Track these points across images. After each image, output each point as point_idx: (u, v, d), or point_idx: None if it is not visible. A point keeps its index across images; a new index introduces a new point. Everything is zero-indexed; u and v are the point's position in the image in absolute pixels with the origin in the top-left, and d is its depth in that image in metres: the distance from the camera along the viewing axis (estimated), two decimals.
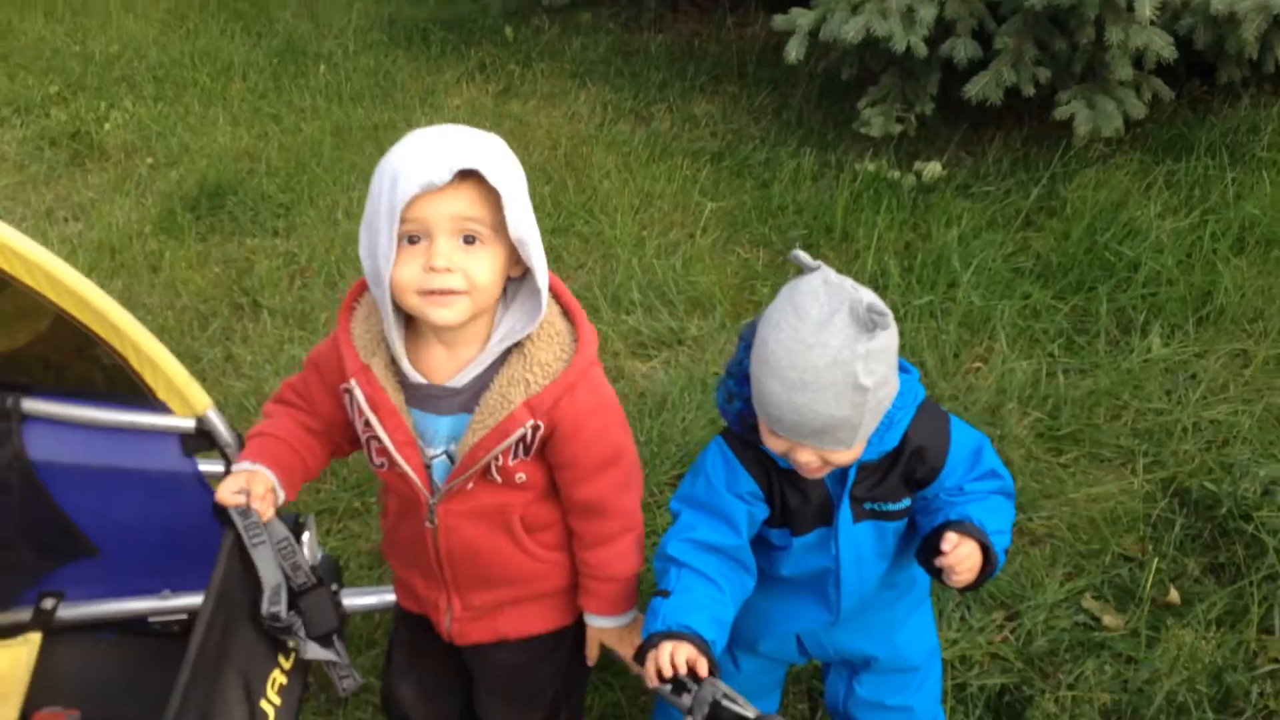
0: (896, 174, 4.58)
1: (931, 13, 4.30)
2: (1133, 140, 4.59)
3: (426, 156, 1.61)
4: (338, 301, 3.94)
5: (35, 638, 2.24)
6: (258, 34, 6.49)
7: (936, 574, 1.86)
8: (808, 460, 1.77)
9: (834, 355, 1.64)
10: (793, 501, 1.91)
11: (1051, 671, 2.54)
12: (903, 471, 1.88)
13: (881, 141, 4.69)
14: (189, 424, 2.14)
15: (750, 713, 1.92)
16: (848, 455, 1.77)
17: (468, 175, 1.60)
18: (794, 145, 4.90)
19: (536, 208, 1.87)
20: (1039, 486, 3.03)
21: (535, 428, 1.75)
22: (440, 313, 1.67)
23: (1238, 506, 2.84)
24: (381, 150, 4.72)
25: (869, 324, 1.63)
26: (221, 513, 2.21)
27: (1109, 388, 3.35)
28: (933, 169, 4.59)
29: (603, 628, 1.99)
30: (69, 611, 2.30)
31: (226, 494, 1.81)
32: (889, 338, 1.67)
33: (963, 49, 4.33)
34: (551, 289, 1.77)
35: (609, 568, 1.93)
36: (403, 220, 1.62)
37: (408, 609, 2.10)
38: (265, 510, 1.84)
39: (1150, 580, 2.68)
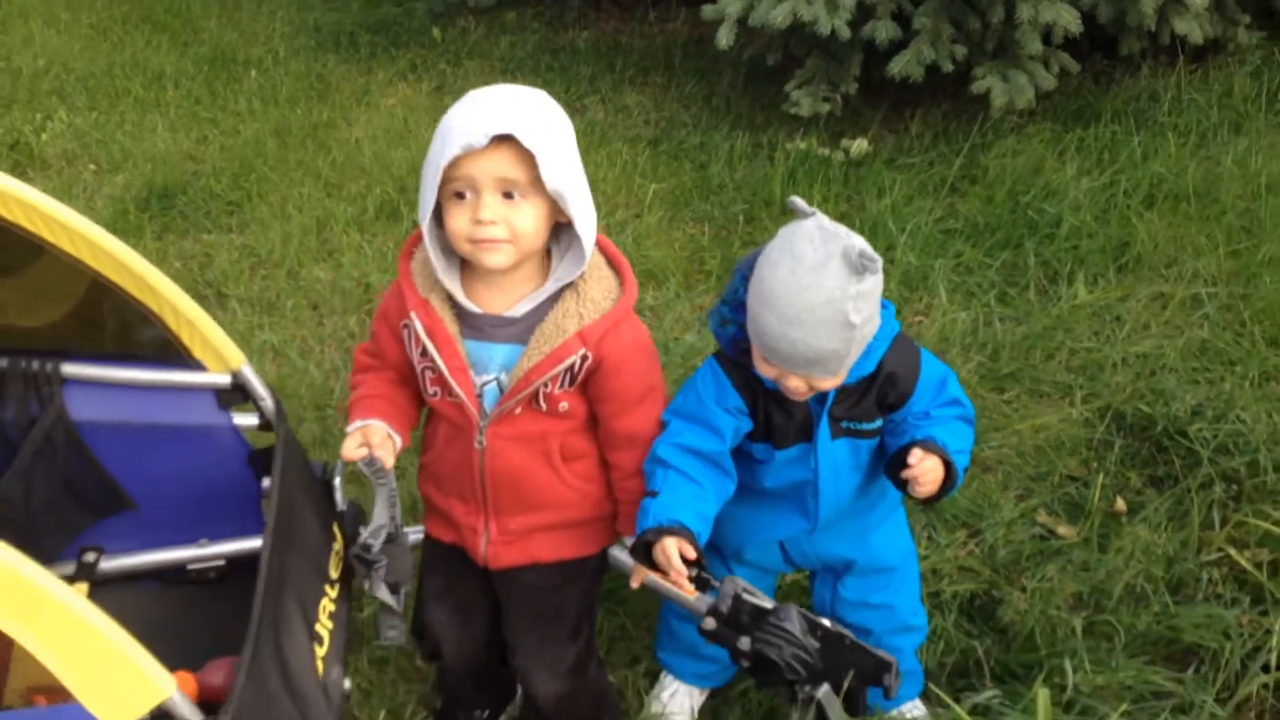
0: (826, 151, 4.83)
1: None
2: (1044, 111, 4.90)
3: (468, 120, 1.81)
4: (301, 290, 4.09)
5: (82, 588, 2.35)
6: (184, 44, 6.54)
7: (902, 485, 2.09)
8: (795, 385, 1.98)
9: (827, 295, 1.84)
10: (776, 418, 2.11)
11: (1016, 577, 2.77)
12: (877, 395, 2.10)
13: (810, 121, 4.94)
14: (224, 380, 2.28)
15: (768, 604, 2.13)
16: (833, 382, 1.99)
17: (505, 137, 1.79)
18: (726, 129, 5.13)
19: None
20: (987, 421, 3.27)
21: (584, 357, 1.94)
22: (489, 258, 1.88)
23: (1172, 424, 3.12)
24: (324, 148, 4.90)
25: (860, 268, 1.84)
26: (257, 462, 2.37)
27: (1042, 331, 3.62)
28: (860, 145, 4.85)
29: None
30: (110, 564, 2.42)
31: (350, 451, 2.02)
32: (876, 281, 1.88)
33: (883, 30, 4.58)
34: (599, 245, 1.98)
35: None
36: (451, 179, 1.83)
37: (441, 539, 2.26)
38: (387, 457, 2.03)
39: (1098, 494, 2.93)
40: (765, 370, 2.00)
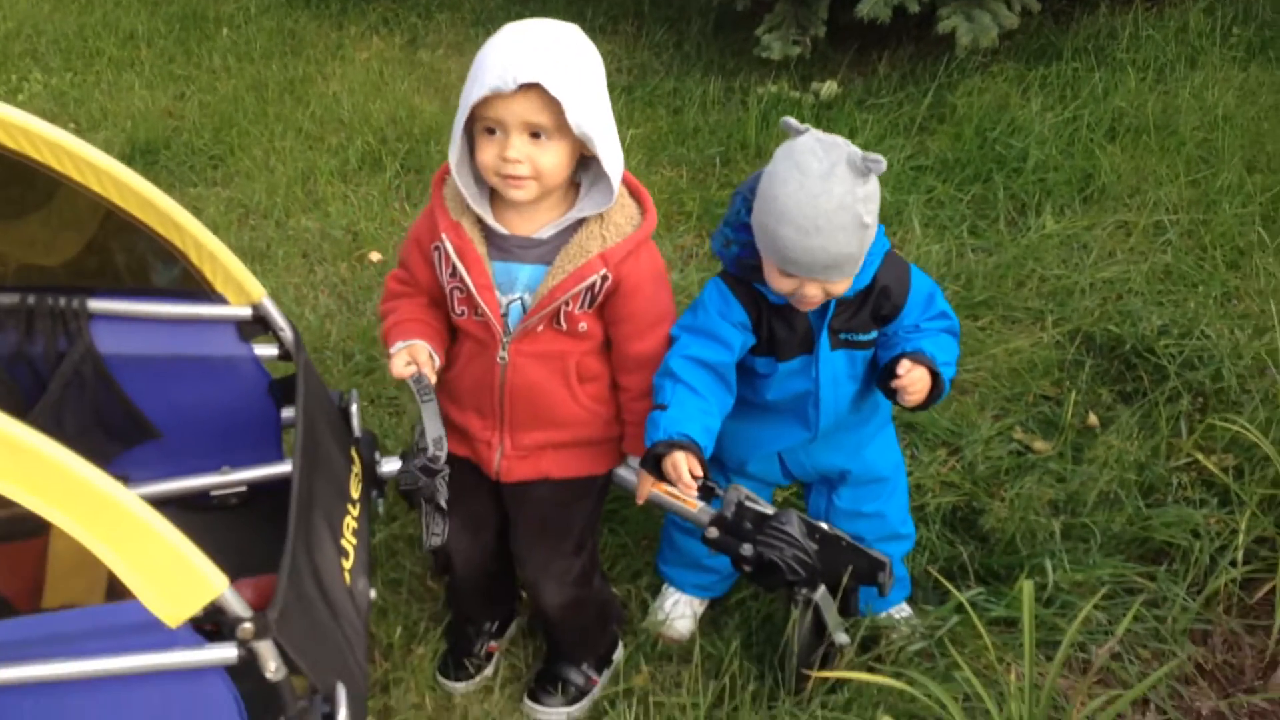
0: (797, 94, 4.95)
1: None
2: (1007, 50, 5.04)
3: (499, 62, 1.92)
4: (290, 239, 4.17)
5: None
6: (154, 3, 6.53)
7: (892, 395, 2.24)
8: (813, 293, 2.11)
9: (839, 201, 1.97)
10: (780, 332, 2.25)
11: (996, 489, 2.92)
12: (872, 308, 2.24)
13: (780, 65, 5.06)
14: (245, 312, 2.38)
15: (769, 509, 2.27)
16: (845, 285, 2.12)
17: (533, 84, 1.91)
18: (698, 75, 5.24)
19: None
20: (963, 347, 3.38)
21: (604, 278, 2.08)
22: (514, 193, 2.03)
23: (1140, 343, 3.28)
24: (302, 102, 4.95)
25: (864, 170, 1.98)
26: (276, 391, 2.47)
27: (1013, 261, 3.77)
28: (830, 87, 4.97)
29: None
30: (136, 491, 2.50)
31: (399, 369, 2.16)
32: (876, 182, 2.02)
33: None
34: (622, 178, 2.11)
35: None
36: (481, 116, 1.97)
37: (454, 454, 2.38)
38: (431, 374, 2.17)
39: (1070, 411, 3.08)
40: (782, 284, 2.12)
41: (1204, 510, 2.74)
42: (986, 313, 3.58)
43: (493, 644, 2.62)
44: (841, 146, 2.00)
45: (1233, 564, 2.59)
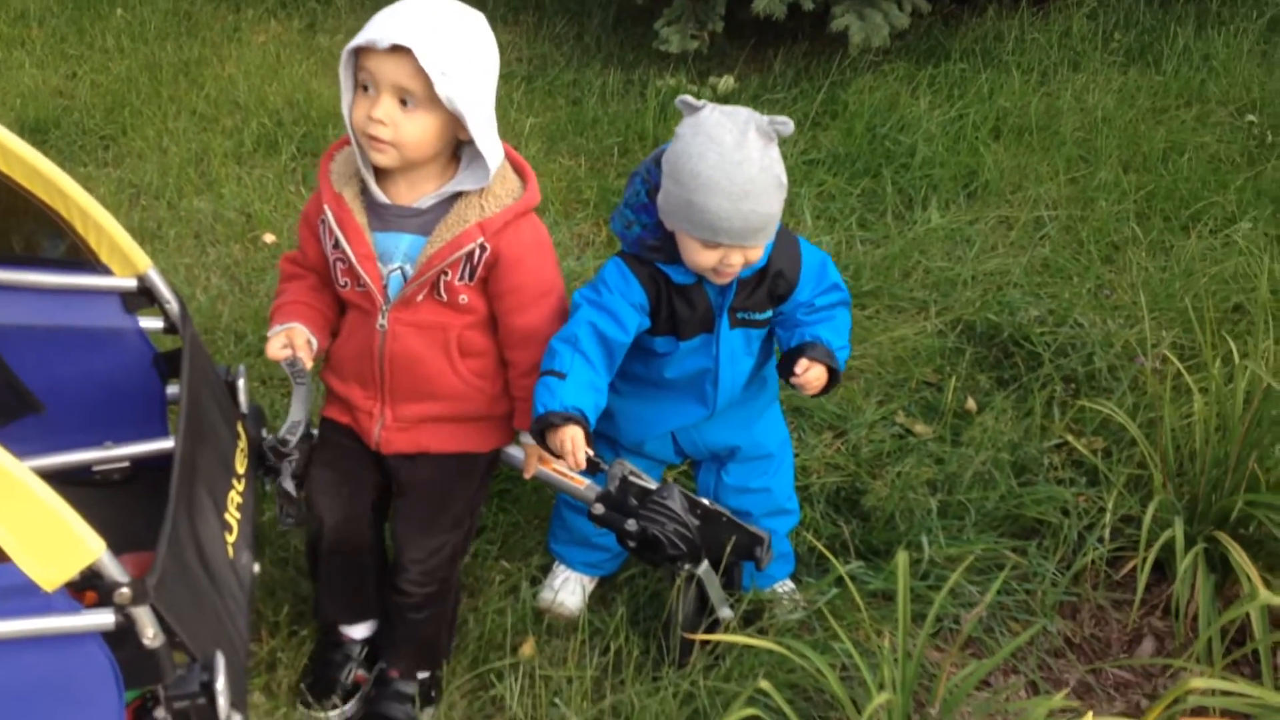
0: (695, 88, 5.01)
1: None
2: (898, 50, 5.16)
3: (385, 18, 1.95)
4: (181, 220, 4.14)
5: None
6: None
7: (791, 385, 2.31)
8: (736, 262, 2.17)
9: (760, 164, 2.06)
10: (681, 311, 2.30)
11: (878, 470, 3.00)
12: (769, 288, 2.32)
13: (679, 58, 5.12)
14: (131, 283, 2.36)
15: (652, 484, 2.31)
16: (760, 251, 2.19)
17: (408, 49, 1.93)
18: (598, 66, 5.28)
19: None
20: (850, 336, 3.49)
21: (482, 247, 2.10)
22: (375, 155, 2.06)
23: (1017, 331, 3.39)
24: (197, 84, 4.87)
25: (772, 134, 2.07)
26: (161, 364, 2.45)
27: (899, 253, 3.86)
28: (726, 82, 5.04)
29: (533, 443, 2.31)
30: None
31: (275, 350, 2.18)
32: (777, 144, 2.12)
33: None
34: (505, 153, 2.13)
35: None
36: (360, 68, 2.00)
37: (337, 420, 2.39)
38: (306, 359, 2.18)
39: (950, 396, 3.17)
40: (706, 258, 2.17)
41: (1073, 489, 2.85)
42: (873, 302, 3.67)
43: (360, 673, 2.45)
44: (744, 114, 2.09)
45: (1100, 541, 2.69)
